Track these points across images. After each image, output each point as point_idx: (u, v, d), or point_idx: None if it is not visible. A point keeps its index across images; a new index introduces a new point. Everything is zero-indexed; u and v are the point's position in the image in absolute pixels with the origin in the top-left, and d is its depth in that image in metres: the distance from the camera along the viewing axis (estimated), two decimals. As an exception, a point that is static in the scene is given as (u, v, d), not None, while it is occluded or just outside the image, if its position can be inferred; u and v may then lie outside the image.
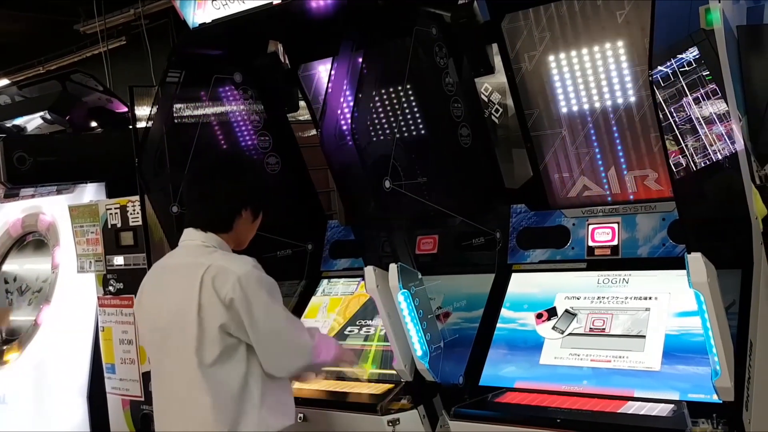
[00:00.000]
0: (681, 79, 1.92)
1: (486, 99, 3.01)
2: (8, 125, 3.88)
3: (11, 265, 3.95)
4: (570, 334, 2.29)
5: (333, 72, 2.44)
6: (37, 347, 3.52)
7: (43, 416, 3.45)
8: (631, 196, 2.48)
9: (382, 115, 2.65)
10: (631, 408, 2.01)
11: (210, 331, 1.93)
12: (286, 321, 2.06)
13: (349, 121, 2.24)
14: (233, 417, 1.94)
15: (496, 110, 3.05)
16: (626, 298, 2.28)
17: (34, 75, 7.36)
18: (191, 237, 2.08)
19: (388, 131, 2.54)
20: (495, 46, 2.60)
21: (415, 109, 2.63)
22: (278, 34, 3.00)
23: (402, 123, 2.63)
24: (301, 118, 3.46)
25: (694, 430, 1.84)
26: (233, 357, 1.96)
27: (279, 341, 2.01)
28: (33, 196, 3.77)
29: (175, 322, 1.99)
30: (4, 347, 3.66)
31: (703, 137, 1.95)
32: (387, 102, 2.65)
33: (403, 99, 2.61)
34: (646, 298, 2.24)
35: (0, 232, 3.89)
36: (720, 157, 1.98)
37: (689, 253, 1.75)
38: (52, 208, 3.67)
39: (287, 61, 3.11)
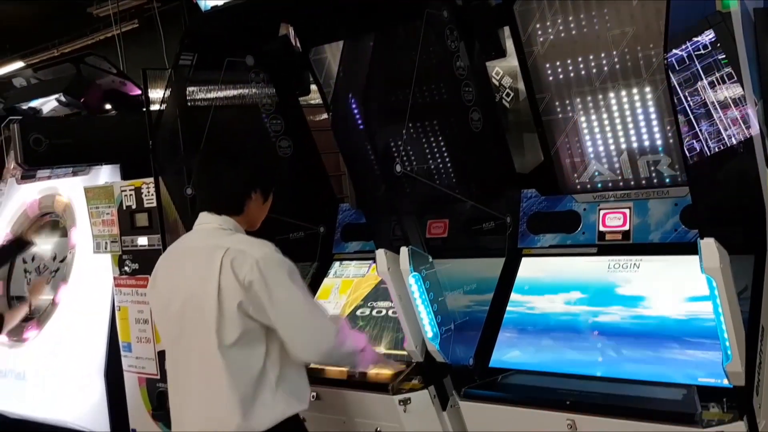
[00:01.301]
0: (696, 63, 1.90)
1: (497, 83, 3.00)
2: (24, 107, 3.92)
3: (29, 245, 3.99)
4: (581, 317, 2.30)
5: (344, 55, 2.44)
6: (55, 326, 3.58)
7: (62, 392, 3.51)
8: (644, 181, 2.48)
9: (392, 99, 2.65)
10: (641, 391, 2.02)
11: (229, 312, 1.95)
12: (305, 302, 2.05)
13: (360, 105, 2.24)
14: (248, 399, 1.96)
15: (507, 94, 3.03)
16: (637, 283, 2.28)
17: (47, 58, 7.39)
18: (207, 220, 2.10)
19: (398, 115, 2.54)
20: (507, 29, 2.59)
21: (426, 93, 2.62)
22: (289, 17, 3.00)
23: (412, 107, 2.63)
24: (312, 101, 3.47)
25: (704, 414, 1.85)
26: (253, 340, 1.98)
27: (300, 321, 2.01)
28: (49, 177, 3.82)
29: (193, 303, 2.01)
30: (24, 324, 3.72)
31: (717, 122, 1.94)
32: (397, 86, 2.65)
33: (414, 83, 2.61)
34: (657, 283, 2.24)
35: (18, 212, 3.93)
36: (735, 142, 1.96)
37: (702, 238, 1.75)
38: (69, 189, 3.71)
39: (298, 45, 3.12)
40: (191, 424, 2.05)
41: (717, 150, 1.91)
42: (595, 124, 2.52)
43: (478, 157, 2.64)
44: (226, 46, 2.89)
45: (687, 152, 1.83)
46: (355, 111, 2.41)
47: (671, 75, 1.81)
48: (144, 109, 2.92)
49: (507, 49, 2.67)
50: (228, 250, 1.98)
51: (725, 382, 1.88)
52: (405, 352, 2.41)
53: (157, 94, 2.83)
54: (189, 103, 2.77)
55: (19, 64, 7.03)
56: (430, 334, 2.24)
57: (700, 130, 1.88)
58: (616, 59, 2.40)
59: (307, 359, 2.08)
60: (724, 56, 1.95)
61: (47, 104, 3.85)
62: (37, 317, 3.70)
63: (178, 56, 2.70)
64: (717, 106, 1.94)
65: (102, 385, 3.42)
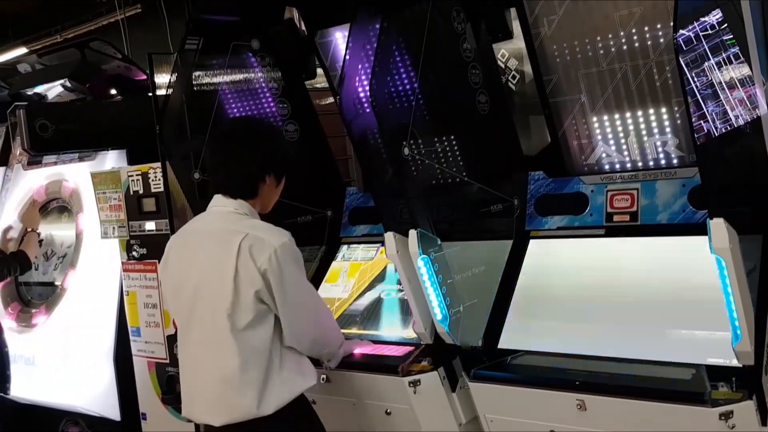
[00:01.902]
0: (704, 43, 1.90)
1: (503, 65, 2.99)
2: (29, 93, 3.91)
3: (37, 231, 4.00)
4: (589, 298, 2.32)
5: (350, 38, 2.43)
6: (63, 311, 3.60)
7: (72, 377, 3.54)
8: (651, 162, 2.48)
9: (399, 82, 2.65)
10: (650, 371, 2.03)
11: (245, 298, 1.97)
12: (312, 296, 2.13)
13: (368, 88, 2.24)
14: (260, 379, 1.99)
15: (513, 77, 3.02)
16: (645, 264, 2.28)
17: (51, 44, 7.36)
18: (222, 204, 2.11)
19: (405, 98, 2.53)
20: (513, 11, 2.58)
21: (433, 76, 2.62)
22: (294, 0, 2.99)
23: (420, 90, 2.63)
24: (317, 85, 3.46)
25: (713, 393, 1.86)
26: (263, 322, 2.01)
27: (304, 313, 2.07)
28: (56, 163, 3.82)
29: (207, 286, 2.03)
30: (33, 311, 3.74)
31: (725, 102, 1.94)
32: (405, 68, 2.65)
33: (421, 65, 2.60)
34: (665, 264, 2.25)
35: (24, 199, 3.94)
36: (742, 123, 1.96)
37: (711, 218, 1.75)
38: (75, 175, 3.71)
39: (304, 28, 3.11)
40: (204, 406, 2.07)
41: (725, 130, 1.91)
42: (603, 105, 2.52)
43: (485, 140, 2.64)
44: (231, 30, 2.89)
45: (695, 133, 1.83)
46: (362, 94, 2.41)
47: (680, 55, 1.81)
48: (150, 94, 2.92)
49: (513, 31, 2.67)
50: (247, 235, 1.99)
51: (733, 361, 1.89)
52: (414, 335, 2.43)
53: (162, 78, 2.83)
54: (195, 88, 2.77)
55: (22, 51, 7.00)
56: (439, 317, 2.26)
57: (708, 111, 1.88)
58: (623, 40, 2.39)
59: (300, 348, 2.11)
60: (731, 36, 1.95)
61: (52, 90, 3.84)
62: (45, 302, 3.72)
63: (184, 40, 2.69)
64: (724, 87, 1.94)
65: (111, 369, 3.44)
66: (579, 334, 2.26)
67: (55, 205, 3.89)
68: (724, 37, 1.94)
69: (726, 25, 1.93)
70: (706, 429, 1.84)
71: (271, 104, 3.06)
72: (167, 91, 2.69)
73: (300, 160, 3.01)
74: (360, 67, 2.42)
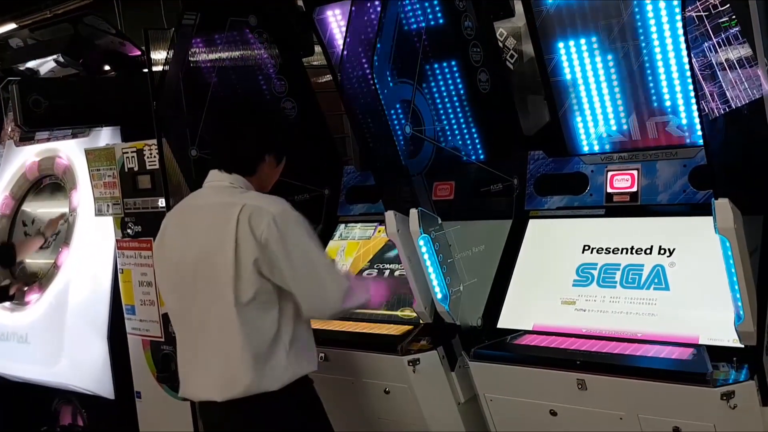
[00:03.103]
0: (706, 22, 1.88)
1: (501, 44, 2.96)
2: (21, 68, 3.85)
3: (29, 208, 3.96)
4: (588, 277, 2.32)
5: (351, 15, 2.40)
6: (57, 289, 3.57)
7: (65, 356, 3.52)
8: (652, 142, 2.47)
9: (400, 59, 2.62)
10: (651, 351, 2.04)
11: (246, 269, 1.94)
12: (321, 257, 2.05)
13: (369, 65, 2.22)
14: (261, 359, 1.97)
15: (511, 56, 3.00)
16: (644, 243, 2.28)
17: (40, 19, 7.22)
18: (218, 178, 2.09)
19: (407, 76, 2.51)
20: (515, -12, 2.56)
21: (434, 54, 2.59)
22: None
23: (421, 67, 2.60)
24: (314, 63, 3.42)
25: (715, 374, 1.87)
26: (267, 302, 1.97)
27: (316, 278, 1.99)
28: (48, 139, 3.76)
29: (207, 260, 2.00)
30: (26, 288, 3.71)
31: (726, 82, 1.93)
32: (406, 46, 2.61)
33: (422, 43, 2.57)
34: (665, 244, 2.25)
35: (17, 175, 3.89)
36: (744, 103, 1.95)
37: (717, 198, 1.75)
38: (68, 151, 3.66)
39: (302, 4, 3.07)
40: (203, 382, 2.06)
41: (727, 110, 1.90)
42: (604, 84, 2.50)
43: (485, 118, 2.62)
44: (228, 5, 2.85)
45: (700, 112, 1.82)
46: (361, 72, 2.38)
47: (688, 32, 1.79)
48: (145, 70, 2.87)
49: (515, 9, 2.64)
50: (244, 206, 1.97)
51: (734, 341, 1.90)
52: (409, 314, 2.43)
53: (158, 54, 2.78)
54: (192, 64, 2.73)
55: (11, 26, 6.87)
56: (439, 296, 2.25)
57: (712, 91, 1.87)
58: (625, 18, 2.37)
59: (320, 317, 2.08)
60: (732, 16, 1.93)
61: (45, 65, 3.78)
62: (39, 280, 3.69)
63: (181, 15, 2.65)
64: (727, 67, 1.93)
65: (105, 348, 3.42)
66: (579, 314, 2.26)
67: (48, 182, 3.84)
68: (726, 17, 1.92)
69: (728, 4, 1.91)
70: (707, 409, 1.85)
71: (269, 81, 3.02)
72: (163, 67, 2.65)
73: (297, 138, 2.99)
74: (361, 44, 2.39)
